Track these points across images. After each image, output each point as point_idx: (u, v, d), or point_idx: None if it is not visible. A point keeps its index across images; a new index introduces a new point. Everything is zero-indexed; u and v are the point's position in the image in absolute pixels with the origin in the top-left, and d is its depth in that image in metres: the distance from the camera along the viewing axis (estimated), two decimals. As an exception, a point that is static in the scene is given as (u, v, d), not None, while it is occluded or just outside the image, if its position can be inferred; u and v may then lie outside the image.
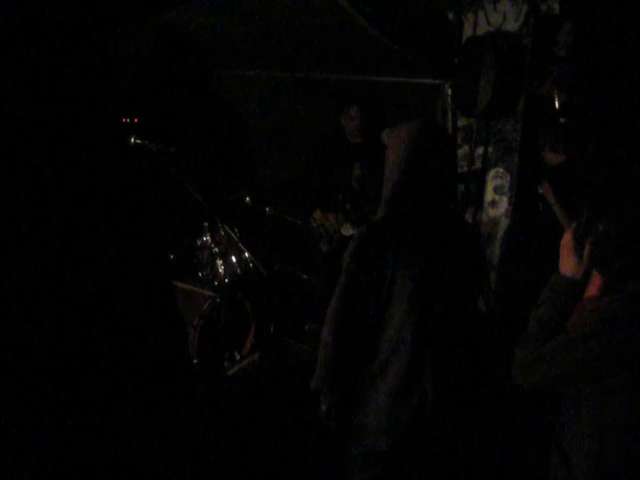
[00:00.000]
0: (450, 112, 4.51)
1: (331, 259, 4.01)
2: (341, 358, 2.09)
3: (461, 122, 4.55)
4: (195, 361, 3.48)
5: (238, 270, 3.88)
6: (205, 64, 4.72)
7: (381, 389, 2.06)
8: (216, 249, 3.84)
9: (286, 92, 5.08)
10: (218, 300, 3.65)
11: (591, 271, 1.64)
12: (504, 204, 4.51)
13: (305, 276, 4.30)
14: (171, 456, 1.63)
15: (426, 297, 2.01)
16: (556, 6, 4.16)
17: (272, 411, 3.27)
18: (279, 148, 5.21)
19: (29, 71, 1.42)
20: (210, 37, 4.27)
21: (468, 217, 4.45)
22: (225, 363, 3.71)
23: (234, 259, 3.88)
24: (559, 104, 4.06)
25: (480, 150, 4.41)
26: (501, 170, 4.47)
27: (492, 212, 4.55)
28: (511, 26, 4.24)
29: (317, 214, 4.25)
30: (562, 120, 4.00)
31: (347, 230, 4.05)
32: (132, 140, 3.33)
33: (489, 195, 4.55)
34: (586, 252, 1.62)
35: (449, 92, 4.41)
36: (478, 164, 4.46)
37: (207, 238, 3.86)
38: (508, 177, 4.46)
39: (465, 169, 4.47)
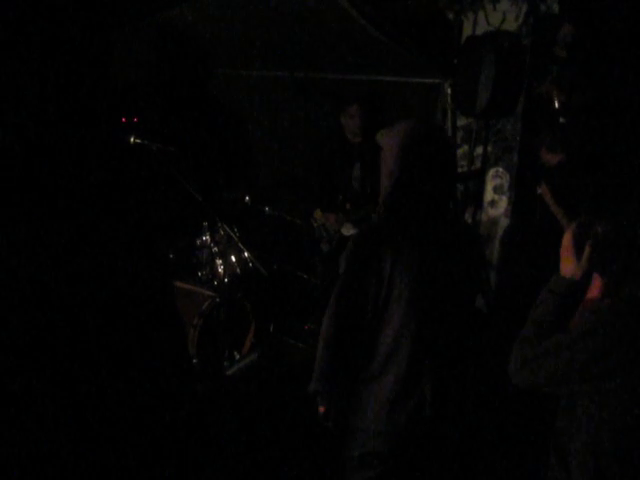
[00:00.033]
0: (450, 112, 4.52)
1: (331, 259, 4.01)
2: (339, 360, 2.08)
3: (461, 122, 4.55)
4: (194, 360, 3.48)
5: (238, 270, 3.89)
6: (205, 64, 4.72)
7: (380, 390, 2.05)
8: (215, 248, 3.84)
9: (286, 92, 5.08)
10: (217, 300, 3.65)
11: (592, 272, 1.64)
12: (503, 204, 4.52)
13: (305, 276, 4.30)
14: (170, 456, 1.63)
15: (425, 298, 2.00)
16: (555, 6, 4.17)
17: (271, 411, 3.27)
18: (279, 148, 5.21)
19: (28, 71, 1.42)
20: (210, 37, 4.27)
21: (468, 217, 4.45)
22: (224, 363, 3.71)
23: (233, 259, 3.88)
24: (558, 104, 4.06)
25: (480, 150, 4.41)
26: (501, 170, 4.48)
27: (492, 212, 4.55)
28: (511, 26, 4.25)
29: (317, 214, 4.25)
30: (561, 120, 4.00)
31: (347, 230, 4.05)
32: (132, 140, 3.33)
33: (489, 195, 4.55)
34: (585, 254, 1.62)
35: (449, 92, 4.41)
36: (478, 164, 4.46)
37: (207, 237, 3.87)
38: (507, 177, 4.46)
39: (465, 168, 4.47)
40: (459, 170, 4.56)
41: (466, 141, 4.53)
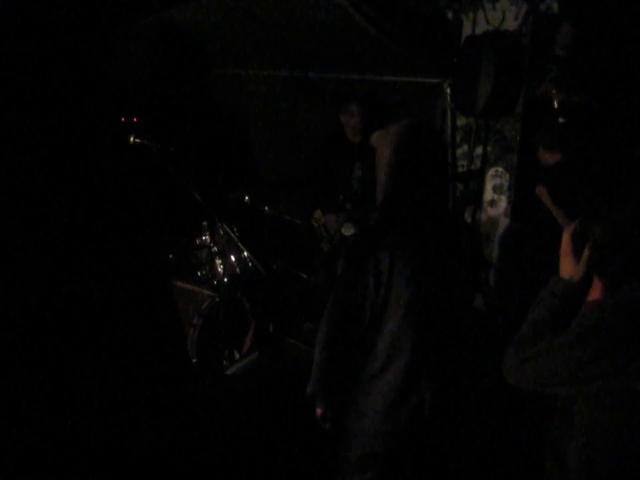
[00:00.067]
0: (449, 111, 4.52)
1: (331, 259, 4.01)
2: (337, 362, 2.08)
3: (460, 121, 4.55)
4: (194, 360, 3.48)
5: (237, 269, 3.89)
6: (205, 63, 4.72)
7: (379, 391, 2.05)
8: (215, 248, 3.84)
9: (286, 92, 5.08)
10: (217, 299, 3.65)
11: (592, 274, 1.64)
12: (503, 203, 4.52)
13: (305, 276, 4.30)
14: (169, 455, 1.63)
15: (423, 299, 2.00)
16: (555, 5, 4.17)
17: (271, 411, 3.27)
18: (279, 148, 5.21)
19: (28, 71, 1.43)
20: (210, 37, 4.27)
21: (467, 216, 4.45)
22: (224, 362, 3.71)
23: (233, 258, 3.88)
24: (558, 103, 4.06)
25: (479, 149, 4.42)
26: (500, 169, 4.48)
27: (491, 211, 4.56)
28: (510, 25, 4.25)
29: (317, 214, 4.25)
30: (560, 120, 4.00)
31: (347, 230, 4.05)
32: (131, 139, 3.33)
33: (488, 194, 4.56)
34: (584, 256, 1.61)
35: (448, 91, 4.42)
36: (477, 163, 4.47)
37: (206, 237, 3.87)
38: (507, 176, 4.47)
39: (464, 168, 4.47)
40: (459, 170, 4.56)
41: (466, 141, 4.53)
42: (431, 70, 4.43)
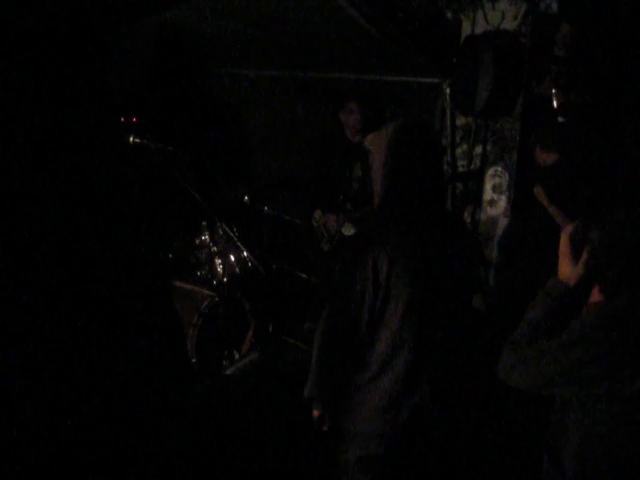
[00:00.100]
0: (448, 111, 4.52)
1: (331, 259, 4.01)
2: (334, 364, 2.08)
3: (459, 121, 4.55)
4: (193, 360, 3.48)
5: (237, 269, 3.89)
6: (204, 63, 4.72)
7: (378, 392, 2.05)
8: (215, 248, 3.84)
9: (286, 92, 5.08)
10: (217, 299, 3.65)
11: (590, 277, 1.63)
12: (503, 203, 4.51)
13: (304, 275, 4.30)
14: (168, 456, 1.64)
15: (422, 299, 2.00)
16: (555, 5, 4.16)
17: (270, 411, 3.28)
18: (279, 148, 5.21)
19: (27, 71, 1.43)
20: (210, 37, 4.27)
21: (466, 216, 4.45)
22: (224, 362, 3.71)
23: (233, 258, 3.88)
24: (557, 103, 4.06)
25: (479, 149, 4.42)
26: (500, 169, 4.47)
27: (491, 211, 4.55)
28: (509, 25, 4.24)
29: (317, 214, 4.25)
30: (560, 120, 4.00)
31: (347, 230, 4.04)
32: (131, 139, 3.34)
33: (488, 194, 4.55)
34: (582, 259, 1.60)
35: (447, 91, 4.42)
36: (476, 163, 4.47)
37: (206, 237, 3.87)
38: (507, 176, 4.46)
39: (464, 168, 4.48)
40: (458, 169, 4.56)
41: (465, 140, 4.53)
42: (430, 70, 4.43)
